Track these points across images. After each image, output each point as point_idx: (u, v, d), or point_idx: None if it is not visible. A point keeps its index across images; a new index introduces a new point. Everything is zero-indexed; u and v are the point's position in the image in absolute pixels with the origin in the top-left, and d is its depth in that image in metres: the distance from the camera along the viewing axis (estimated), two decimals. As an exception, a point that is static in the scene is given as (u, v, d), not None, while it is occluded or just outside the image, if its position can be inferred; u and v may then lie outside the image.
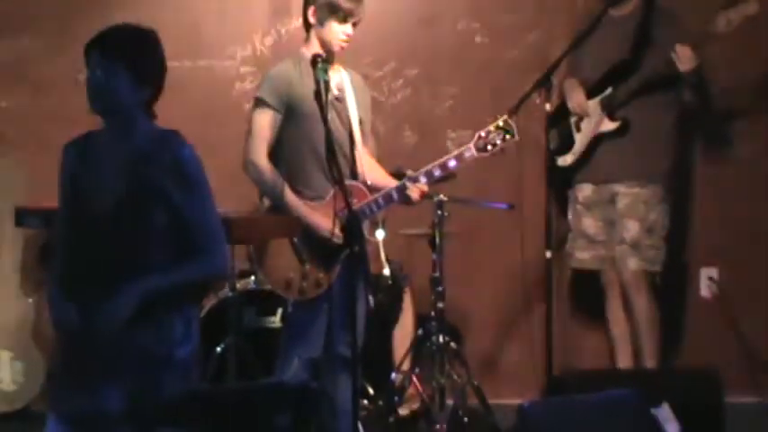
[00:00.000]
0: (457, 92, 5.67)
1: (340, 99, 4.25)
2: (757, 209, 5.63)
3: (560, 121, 5.21)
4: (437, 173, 4.27)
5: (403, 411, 4.95)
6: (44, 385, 5.11)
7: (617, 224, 5.08)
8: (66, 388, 3.03)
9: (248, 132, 4.18)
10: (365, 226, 4.27)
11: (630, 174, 5.03)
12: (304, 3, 4.25)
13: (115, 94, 3.01)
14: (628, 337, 5.19)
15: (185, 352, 3.06)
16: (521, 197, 5.26)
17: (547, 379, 4.72)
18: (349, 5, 4.13)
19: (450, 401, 4.81)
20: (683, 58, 4.77)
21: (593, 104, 5.09)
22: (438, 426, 4.73)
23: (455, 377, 4.82)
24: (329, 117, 3.99)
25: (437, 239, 4.78)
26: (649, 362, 5.06)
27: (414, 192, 4.23)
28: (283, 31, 5.58)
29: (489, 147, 4.25)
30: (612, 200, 5.09)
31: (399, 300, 5.19)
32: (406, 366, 4.98)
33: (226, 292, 4.74)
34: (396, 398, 4.90)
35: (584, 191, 5.19)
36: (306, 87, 4.04)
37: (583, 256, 5.24)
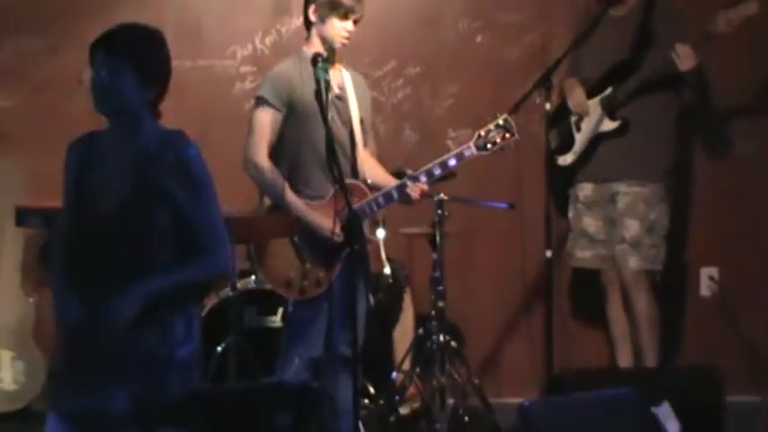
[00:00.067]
0: (457, 91, 5.66)
1: (341, 98, 4.25)
2: (758, 208, 5.63)
3: (560, 120, 5.21)
4: (437, 172, 4.27)
5: (404, 410, 4.95)
6: (45, 385, 5.12)
7: (617, 223, 5.08)
8: (67, 387, 3.03)
9: (249, 131, 4.19)
10: (365, 225, 4.26)
11: (631, 173, 5.03)
12: (305, 1, 4.25)
13: (121, 95, 3.00)
14: (628, 336, 5.20)
15: (187, 352, 3.06)
16: (521, 196, 5.27)
17: (547, 378, 4.72)
18: (350, 2, 4.13)
19: (450, 400, 4.81)
20: (684, 58, 4.78)
21: (594, 104, 5.09)
22: (438, 425, 4.74)
23: (455, 376, 4.82)
24: (330, 116, 3.99)
25: (437, 239, 4.78)
26: (650, 361, 5.06)
27: (414, 191, 4.23)
28: (284, 30, 5.57)
29: (489, 145, 4.25)
30: (613, 199, 5.09)
31: (400, 299, 5.19)
32: (406, 365, 4.99)
33: (226, 291, 4.74)
34: (396, 397, 4.90)
35: (585, 190, 5.19)
36: (307, 86, 4.04)
37: (583, 255, 5.24)
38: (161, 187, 2.99)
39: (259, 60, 5.54)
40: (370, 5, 4.31)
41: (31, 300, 5.30)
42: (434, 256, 4.83)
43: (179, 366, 3.03)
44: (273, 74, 4.24)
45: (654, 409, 3.74)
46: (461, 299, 5.33)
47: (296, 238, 4.17)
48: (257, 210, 4.34)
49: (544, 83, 4.72)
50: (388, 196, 4.25)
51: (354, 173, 4.26)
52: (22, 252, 5.34)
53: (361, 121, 4.31)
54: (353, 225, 3.48)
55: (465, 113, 5.57)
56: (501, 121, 4.25)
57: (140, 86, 3.01)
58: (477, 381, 4.94)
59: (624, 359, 5.20)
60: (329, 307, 4.15)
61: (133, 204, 2.99)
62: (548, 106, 4.80)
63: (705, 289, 5.69)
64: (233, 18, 5.59)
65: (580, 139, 5.16)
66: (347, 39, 4.19)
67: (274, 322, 4.89)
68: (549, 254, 4.77)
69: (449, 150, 4.45)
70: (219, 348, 4.65)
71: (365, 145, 4.36)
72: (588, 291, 5.44)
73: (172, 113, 3.22)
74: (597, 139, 5.11)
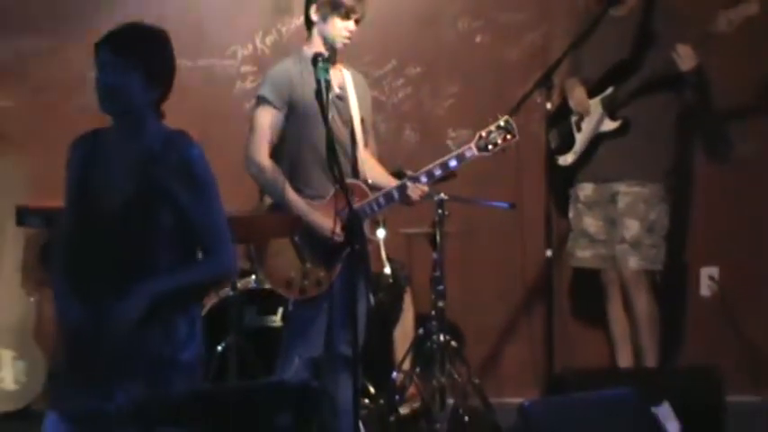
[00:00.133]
0: (457, 91, 5.66)
1: (341, 98, 4.25)
2: (758, 208, 5.63)
3: (561, 120, 5.22)
4: (438, 172, 4.27)
5: (404, 410, 4.95)
6: (46, 384, 5.12)
7: (617, 223, 5.08)
8: (69, 387, 3.03)
9: (250, 131, 4.19)
10: (366, 225, 4.27)
11: (631, 173, 5.03)
12: (306, 1, 4.25)
13: (126, 94, 2.99)
14: (628, 336, 5.20)
15: (190, 353, 3.05)
16: (521, 196, 5.26)
17: (547, 378, 4.73)
18: (351, 2, 4.13)
19: (450, 400, 4.81)
20: (684, 58, 4.78)
21: (594, 104, 5.09)
22: (439, 425, 4.74)
23: (456, 376, 4.82)
24: (330, 116, 3.99)
25: (438, 238, 4.78)
26: (650, 361, 5.06)
27: (414, 192, 4.24)
28: (284, 30, 5.57)
29: (490, 146, 4.26)
30: (613, 199, 5.09)
31: (400, 299, 5.19)
32: (406, 365, 4.99)
33: (227, 291, 4.74)
34: (396, 397, 4.91)
35: (585, 190, 5.20)
36: (307, 86, 4.04)
37: (583, 254, 5.24)
38: (164, 187, 2.98)
39: (259, 60, 5.53)
40: (371, 5, 4.31)
41: (31, 299, 5.30)
42: (435, 255, 4.83)
43: (182, 367, 3.03)
44: (274, 73, 4.24)
45: (654, 409, 3.74)
46: (462, 299, 5.33)
47: (296, 238, 4.17)
48: (257, 209, 4.34)
49: (545, 82, 4.72)
50: (388, 196, 4.25)
51: (355, 173, 4.27)
52: (22, 252, 5.34)
53: (362, 121, 4.31)
54: (354, 225, 3.48)
55: (465, 113, 5.57)
56: (502, 123, 4.26)
57: (145, 86, 3.00)
58: (477, 380, 4.94)
59: (624, 359, 5.20)
60: (329, 307, 4.14)
61: (136, 204, 2.98)
62: (548, 106, 4.81)
63: (705, 289, 5.70)
64: (233, 18, 5.59)
65: (580, 139, 5.17)
66: (348, 38, 4.19)
67: (274, 322, 4.89)
68: (549, 253, 4.77)
69: (449, 150, 4.45)
70: (220, 348, 4.65)
71: (366, 145, 4.36)
72: (588, 290, 5.44)
73: (172, 113, 3.22)
74: (598, 139, 5.11)
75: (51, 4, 5.54)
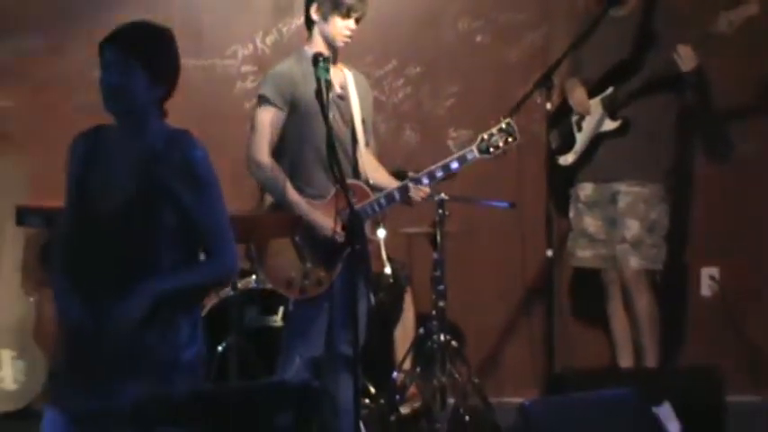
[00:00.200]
0: (458, 91, 5.67)
1: (343, 97, 4.25)
2: (758, 208, 5.64)
3: (561, 120, 5.22)
4: (439, 174, 4.28)
5: (404, 410, 4.95)
6: (46, 384, 5.11)
7: (618, 223, 5.08)
8: (69, 386, 3.02)
9: (251, 130, 4.19)
10: (366, 225, 4.27)
11: (631, 173, 5.03)
12: (306, 0, 4.25)
13: (130, 93, 2.98)
14: (628, 335, 5.20)
15: (192, 354, 3.05)
16: (522, 196, 5.26)
17: (548, 377, 4.72)
18: (352, 0, 4.13)
19: (451, 400, 4.81)
20: (685, 59, 4.78)
21: (595, 104, 5.09)
22: (439, 424, 4.74)
23: (456, 376, 4.82)
24: (332, 116, 4.00)
25: (438, 238, 4.78)
26: (650, 361, 5.06)
27: (416, 193, 4.24)
28: (285, 30, 5.57)
29: (491, 149, 4.27)
30: (613, 199, 5.09)
31: (400, 299, 5.19)
32: (407, 365, 4.99)
33: (227, 291, 4.73)
34: (397, 396, 4.91)
35: (586, 190, 5.20)
36: (309, 86, 4.04)
37: (584, 254, 5.24)
38: (167, 186, 2.97)
39: (260, 60, 5.54)
40: (372, 5, 4.31)
41: (31, 299, 5.30)
42: (435, 255, 4.83)
43: (184, 368, 3.02)
44: (275, 72, 4.24)
45: (654, 409, 3.74)
46: (462, 298, 5.32)
47: (297, 238, 4.17)
48: (258, 209, 4.34)
49: (545, 83, 4.72)
50: (389, 197, 4.25)
51: (356, 173, 4.27)
52: (22, 251, 5.34)
53: (363, 121, 4.31)
54: (354, 225, 3.48)
55: (465, 113, 5.58)
56: (503, 125, 4.27)
57: (149, 85, 2.99)
58: (477, 380, 4.95)
59: (625, 359, 5.20)
60: (330, 306, 4.15)
61: (138, 203, 2.98)
62: (549, 106, 4.80)
63: (706, 289, 5.70)
64: (234, 18, 5.59)
65: (581, 139, 5.17)
66: (349, 37, 4.19)
67: (275, 322, 4.89)
68: (549, 253, 4.76)
69: (449, 150, 4.47)
70: (220, 348, 4.64)
71: (367, 144, 4.36)
72: (589, 290, 5.44)
73: (173, 112, 3.21)
74: (598, 139, 5.11)
75: (51, 4, 5.54)
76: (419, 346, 4.95)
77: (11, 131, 5.48)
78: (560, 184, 5.26)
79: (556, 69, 4.76)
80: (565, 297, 5.65)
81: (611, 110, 5.04)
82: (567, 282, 5.63)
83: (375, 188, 4.28)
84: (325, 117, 3.75)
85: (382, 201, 4.24)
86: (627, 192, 5.04)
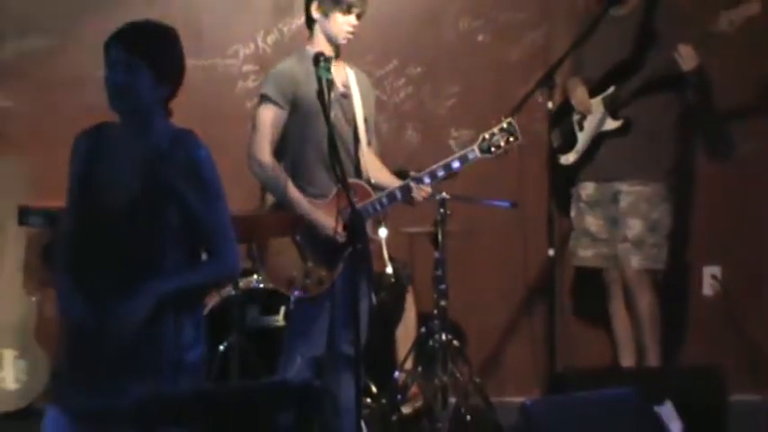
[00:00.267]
0: (459, 91, 5.67)
1: (346, 96, 4.25)
2: (760, 207, 5.64)
3: (563, 119, 5.22)
4: (441, 174, 4.28)
5: (406, 410, 4.95)
6: (47, 384, 5.12)
7: (619, 222, 5.08)
8: (72, 386, 3.02)
9: (252, 129, 4.19)
10: (368, 224, 4.27)
11: (633, 172, 5.03)
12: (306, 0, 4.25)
13: (136, 93, 2.97)
14: (630, 335, 5.20)
15: (195, 355, 3.05)
16: (523, 195, 5.26)
17: (549, 377, 4.73)
18: None
19: (452, 400, 4.81)
20: (686, 58, 4.78)
21: (596, 103, 5.09)
22: (441, 424, 4.74)
23: (458, 375, 4.82)
24: (334, 114, 4.01)
25: (440, 237, 4.78)
26: (652, 360, 5.06)
27: (418, 193, 4.24)
28: (286, 29, 5.58)
29: (493, 149, 4.27)
30: (615, 198, 5.09)
31: (402, 298, 5.19)
32: (408, 365, 4.99)
33: (228, 290, 4.74)
34: (399, 396, 4.91)
35: (587, 189, 5.20)
36: (311, 85, 4.03)
37: (585, 254, 5.24)
38: (171, 186, 2.97)
39: (261, 59, 5.54)
40: (372, 4, 4.31)
41: (33, 299, 5.30)
42: (436, 254, 4.83)
43: (188, 369, 3.02)
44: (277, 71, 4.24)
45: (656, 409, 3.74)
46: (463, 298, 5.32)
47: (298, 237, 4.17)
48: (260, 208, 4.34)
49: (546, 82, 4.71)
50: (391, 197, 4.25)
51: (358, 172, 4.26)
52: (24, 251, 5.34)
53: (365, 120, 4.31)
54: (356, 224, 3.48)
55: (467, 113, 5.58)
56: (505, 125, 4.27)
57: (155, 84, 2.99)
58: (479, 380, 4.95)
59: (626, 358, 5.20)
60: (331, 306, 4.14)
61: (142, 202, 2.97)
62: (550, 105, 4.80)
63: (708, 288, 5.70)
64: (235, 17, 5.60)
65: (582, 139, 5.17)
66: (351, 33, 4.19)
67: (277, 321, 4.89)
68: (551, 253, 4.76)
69: (450, 150, 4.47)
70: (221, 348, 4.64)
71: (369, 143, 4.36)
72: (590, 290, 5.44)
73: (174, 112, 3.21)
74: (599, 139, 5.11)
75: (52, 4, 5.54)
76: (421, 345, 4.95)
77: (12, 131, 5.49)
78: (562, 184, 5.26)
79: (557, 69, 4.76)
80: (566, 296, 5.65)
81: (612, 109, 5.04)
82: (568, 281, 5.63)
83: (377, 187, 4.28)
84: (327, 117, 3.75)
85: (384, 200, 4.24)
86: (629, 191, 5.04)
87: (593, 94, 5.11)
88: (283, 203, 4.15)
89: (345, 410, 4.10)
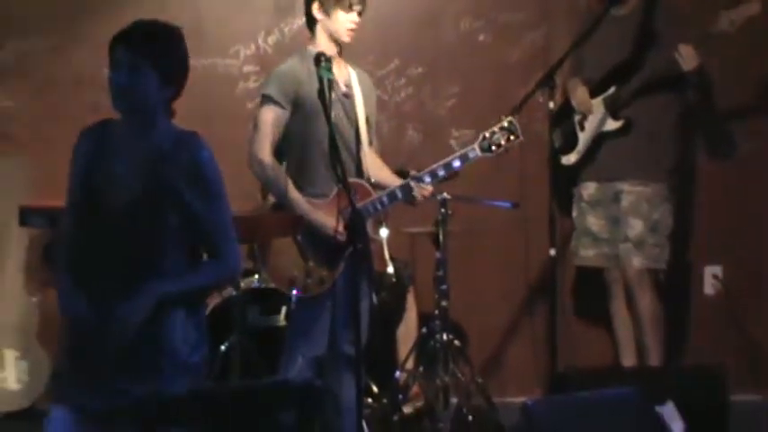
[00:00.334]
0: (460, 91, 5.67)
1: (348, 96, 4.25)
2: (761, 206, 5.63)
3: (564, 119, 5.22)
4: (441, 173, 4.27)
5: (407, 409, 4.96)
6: (49, 384, 5.12)
7: (621, 222, 5.08)
8: (73, 385, 3.02)
9: (254, 129, 4.18)
10: (369, 224, 4.27)
11: (634, 172, 5.03)
12: (307, 0, 4.25)
13: (140, 93, 2.97)
14: (632, 335, 5.19)
15: (197, 355, 3.04)
16: (525, 195, 5.26)
17: (551, 377, 4.73)
18: None
19: (454, 400, 4.82)
20: (686, 58, 4.78)
21: (597, 103, 5.09)
22: (442, 424, 4.74)
23: (459, 375, 4.82)
24: (336, 114, 4.01)
25: (441, 238, 4.78)
26: (653, 360, 5.06)
27: (418, 192, 4.24)
28: (287, 29, 5.58)
29: (494, 147, 4.26)
30: (616, 198, 5.09)
31: (403, 298, 5.19)
32: (410, 365, 4.99)
33: (230, 290, 4.74)
34: (400, 396, 4.91)
35: (589, 189, 5.20)
36: (313, 85, 4.02)
37: (587, 253, 5.24)
38: (173, 187, 2.97)
39: (262, 60, 5.54)
40: (373, 5, 4.32)
41: (34, 299, 5.30)
42: (438, 254, 4.83)
43: (189, 370, 3.02)
44: (279, 71, 4.24)
45: (658, 409, 3.74)
46: (465, 298, 5.32)
47: (299, 237, 4.17)
48: (261, 208, 4.34)
49: (547, 82, 4.71)
50: (392, 196, 4.25)
51: (359, 172, 4.26)
52: (25, 252, 5.34)
53: (367, 120, 4.31)
54: (356, 224, 3.48)
55: (467, 113, 5.58)
56: (505, 123, 4.26)
57: (159, 85, 2.98)
58: (480, 380, 4.95)
59: (628, 358, 5.20)
60: (332, 306, 4.14)
61: (144, 202, 2.97)
62: (551, 105, 4.80)
63: (709, 288, 5.69)
64: (236, 17, 5.60)
65: (583, 139, 5.17)
66: (354, 31, 4.19)
67: (278, 321, 4.89)
68: (552, 252, 4.76)
69: (451, 150, 4.46)
70: (223, 347, 4.65)
71: (370, 143, 4.36)
72: (592, 289, 5.43)
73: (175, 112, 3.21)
74: (600, 139, 5.11)
75: (53, 5, 5.54)
76: (422, 345, 4.95)
77: (13, 131, 5.49)
78: (563, 184, 5.26)
79: (558, 69, 4.76)
80: (568, 296, 5.64)
81: (613, 110, 5.04)
82: (569, 281, 5.62)
83: (378, 187, 4.28)
84: (328, 117, 3.75)
85: (384, 199, 4.24)
86: (630, 191, 5.04)
87: (593, 94, 5.11)
88: (284, 204, 4.15)
89: (347, 410, 4.11)
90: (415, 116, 5.67)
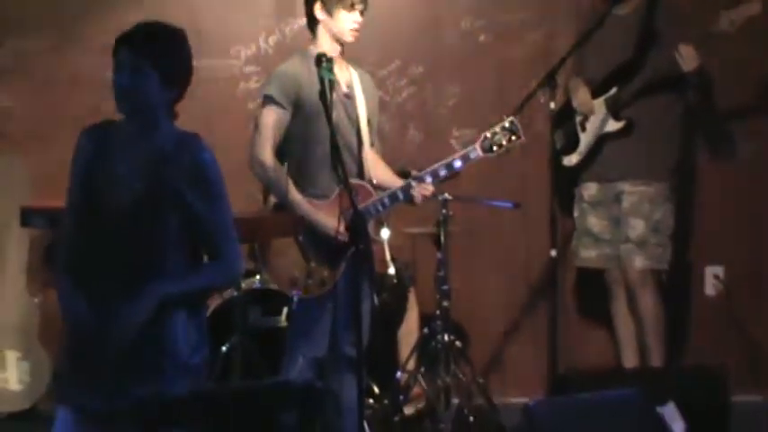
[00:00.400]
0: (461, 91, 5.67)
1: (349, 96, 4.25)
2: (762, 207, 5.63)
3: (565, 120, 5.21)
4: (443, 173, 4.26)
5: (408, 410, 4.96)
6: (50, 385, 5.12)
7: (622, 223, 5.08)
8: (74, 385, 3.02)
9: (255, 129, 4.18)
10: (370, 225, 4.27)
11: (636, 172, 5.03)
12: (307, 2, 4.24)
13: (143, 95, 2.96)
14: (633, 335, 5.19)
15: (198, 357, 3.04)
16: (526, 196, 5.26)
17: (552, 378, 4.71)
18: None
19: (455, 400, 4.82)
20: (687, 58, 4.78)
21: (598, 104, 5.09)
22: (443, 425, 4.74)
23: (460, 376, 4.82)
24: (337, 115, 4.01)
25: (442, 238, 4.78)
26: (655, 360, 5.06)
27: (420, 192, 4.23)
28: (287, 30, 5.58)
29: (495, 147, 4.25)
30: (618, 198, 5.09)
31: (404, 299, 5.19)
32: (411, 365, 4.99)
33: (231, 291, 4.74)
34: (401, 397, 4.91)
35: (590, 189, 5.19)
36: (314, 86, 4.00)
37: (588, 254, 5.23)
38: (175, 188, 2.97)
39: (263, 60, 5.54)
40: (374, 5, 4.31)
41: (36, 300, 5.30)
42: (439, 255, 4.83)
43: (191, 371, 3.01)
44: (280, 72, 4.23)
45: (659, 409, 3.74)
46: (466, 298, 5.33)
47: (300, 237, 4.17)
48: (263, 209, 4.34)
49: (548, 83, 4.70)
50: (393, 197, 4.24)
51: (361, 172, 4.26)
52: (26, 252, 5.34)
53: (368, 121, 4.31)
54: (358, 225, 3.47)
55: (469, 113, 5.58)
56: (507, 124, 4.25)
57: (162, 86, 2.98)
58: (481, 380, 4.95)
59: (629, 359, 5.20)
60: (334, 306, 4.14)
61: (146, 204, 2.97)
62: (552, 106, 4.79)
63: (710, 288, 5.69)
64: (237, 18, 5.60)
65: (585, 140, 5.16)
66: (357, 31, 4.19)
67: (279, 322, 4.89)
68: (553, 253, 4.75)
69: (453, 150, 4.46)
70: (224, 348, 4.65)
71: (372, 144, 4.35)
72: (593, 290, 5.43)
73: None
74: (602, 140, 5.10)
75: (52, 5, 5.54)
76: (423, 346, 4.95)
77: (12, 131, 5.49)
78: (564, 184, 5.25)
79: (560, 69, 4.75)
80: (569, 297, 5.64)
81: (614, 110, 5.04)
82: (571, 282, 5.62)
83: (379, 188, 4.28)
84: (329, 117, 3.75)
85: (386, 200, 4.23)
86: (631, 191, 5.04)
87: (595, 95, 5.11)
88: (285, 205, 4.15)
89: (348, 411, 4.11)
90: (416, 116, 5.67)
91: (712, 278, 5.67)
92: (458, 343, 4.85)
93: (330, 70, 3.90)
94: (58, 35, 5.52)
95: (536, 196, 5.15)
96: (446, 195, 4.72)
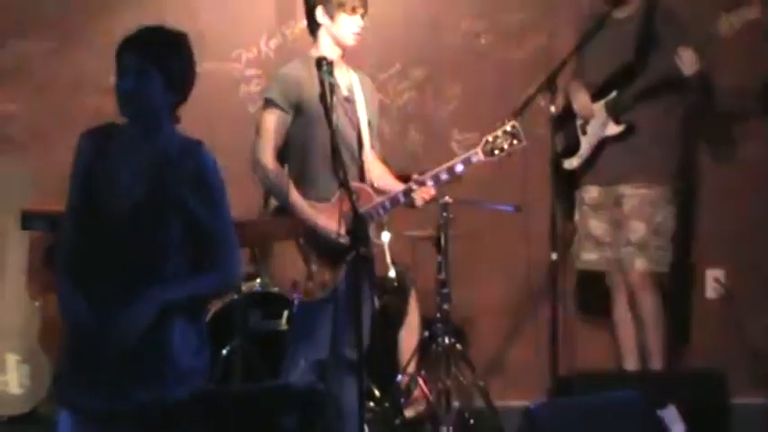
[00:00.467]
0: (462, 93, 5.67)
1: (350, 100, 4.25)
2: (763, 210, 5.62)
3: (566, 123, 5.21)
4: (444, 176, 4.26)
5: (409, 413, 4.96)
6: (50, 388, 5.11)
7: (623, 226, 5.07)
8: (74, 386, 3.01)
9: (256, 133, 4.19)
10: (371, 228, 4.26)
11: (637, 175, 5.03)
12: (308, 6, 4.25)
13: (146, 99, 2.96)
14: (634, 338, 5.18)
15: (199, 362, 3.04)
16: (526, 199, 5.25)
17: (553, 380, 4.71)
18: None
19: (456, 403, 4.82)
20: (686, 62, 4.77)
21: (598, 108, 5.09)
22: (444, 428, 4.74)
23: (461, 379, 4.82)
24: (339, 118, 4.01)
25: (443, 241, 4.79)
26: (655, 363, 5.05)
27: (420, 195, 4.23)
28: (288, 33, 5.58)
29: (497, 151, 4.25)
30: (619, 201, 5.08)
31: (405, 302, 5.19)
32: (411, 368, 4.98)
33: (231, 294, 4.74)
34: (402, 400, 4.91)
35: (591, 192, 5.19)
36: (315, 89, 4.02)
37: (589, 257, 5.23)
38: (176, 193, 2.97)
39: (264, 63, 5.55)
40: (375, 8, 4.32)
41: (36, 303, 5.30)
42: (439, 258, 4.83)
43: (191, 376, 3.01)
44: (282, 75, 4.24)
45: (660, 412, 3.74)
46: (466, 301, 5.33)
47: (301, 240, 4.17)
48: (263, 213, 4.34)
49: (549, 86, 4.70)
50: (394, 200, 4.24)
51: (361, 176, 4.26)
52: (27, 255, 5.34)
53: (369, 124, 4.31)
54: (359, 228, 3.47)
55: (469, 115, 5.58)
56: (509, 127, 4.25)
57: (165, 90, 2.98)
58: (482, 383, 4.95)
59: (630, 362, 5.19)
60: (334, 309, 4.14)
61: (147, 208, 2.97)
62: (553, 109, 4.79)
63: (711, 291, 5.69)
64: (238, 21, 5.60)
65: (585, 144, 5.16)
66: (358, 34, 4.19)
67: (279, 325, 4.89)
68: (554, 256, 4.74)
69: (454, 152, 4.46)
70: (225, 351, 4.65)
71: (372, 147, 4.35)
72: (594, 293, 5.43)
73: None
74: (602, 143, 5.10)
75: (53, 6, 5.55)
76: (424, 349, 4.95)
77: (13, 133, 5.49)
78: (565, 187, 5.25)
79: (559, 72, 4.75)
80: (570, 300, 5.64)
81: (614, 114, 5.03)
82: (571, 285, 5.62)
83: (380, 191, 4.28)
84: (330, 121, 3.75)
85: (387, 204, 4.23)
86: (632, 194, 5.03)
87: (595, 98, 5.11)
88: (286, 208, 4.15)
89: (348, 414, 4.10)
90: (417, 119, 5.67)
91: (713, 281, 5.67)
92: (458, 346, 4.85)
93: (331, 73, 3.91)
94: (59, 37, 5.53)
95: (537, 199, 5.14)
96: (447, 198, 4.72)
